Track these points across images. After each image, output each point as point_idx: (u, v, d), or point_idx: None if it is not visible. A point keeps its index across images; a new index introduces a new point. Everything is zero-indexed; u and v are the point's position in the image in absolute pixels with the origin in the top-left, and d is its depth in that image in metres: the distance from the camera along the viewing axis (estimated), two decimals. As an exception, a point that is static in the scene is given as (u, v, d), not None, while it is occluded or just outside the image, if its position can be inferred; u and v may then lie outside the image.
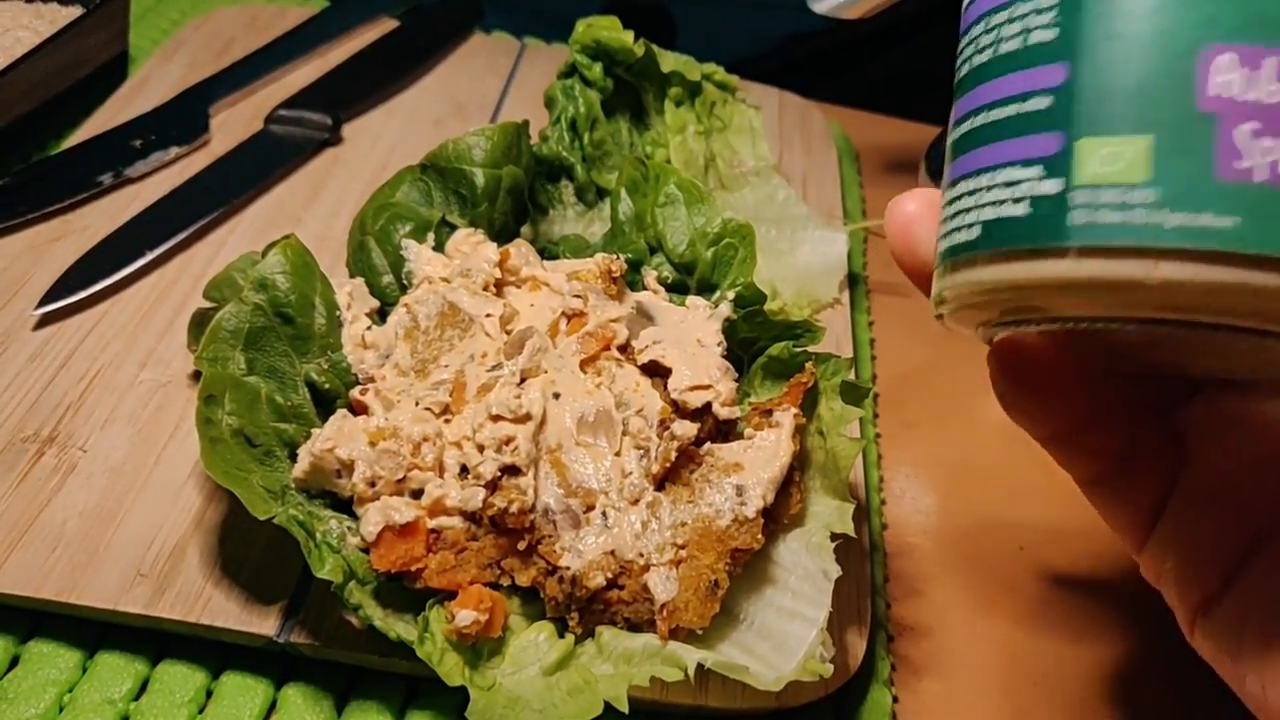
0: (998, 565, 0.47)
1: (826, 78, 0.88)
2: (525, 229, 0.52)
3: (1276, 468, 0.31)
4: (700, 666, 0.35)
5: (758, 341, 0.44)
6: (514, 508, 0.37)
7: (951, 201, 0.27)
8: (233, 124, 0.62)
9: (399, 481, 0.39)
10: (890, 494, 0.50)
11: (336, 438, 0.39)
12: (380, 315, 0.45)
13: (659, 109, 0.57)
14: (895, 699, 0.42)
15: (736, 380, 0.43)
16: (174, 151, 0.59)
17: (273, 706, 0.39)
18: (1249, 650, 0.30)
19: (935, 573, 0.47)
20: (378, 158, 0.61)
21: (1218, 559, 0.31)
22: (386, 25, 0.72)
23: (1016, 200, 0.25)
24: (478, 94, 0.68)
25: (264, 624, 0.39)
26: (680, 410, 0.41)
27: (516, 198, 0.49)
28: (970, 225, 0.26)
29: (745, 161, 0.59)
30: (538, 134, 0.54)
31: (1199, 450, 0.32)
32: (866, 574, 0.43)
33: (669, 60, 0.56)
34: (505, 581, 0.38)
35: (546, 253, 0.51)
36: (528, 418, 0.39)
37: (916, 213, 0.31)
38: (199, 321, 0.45)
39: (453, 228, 0.47)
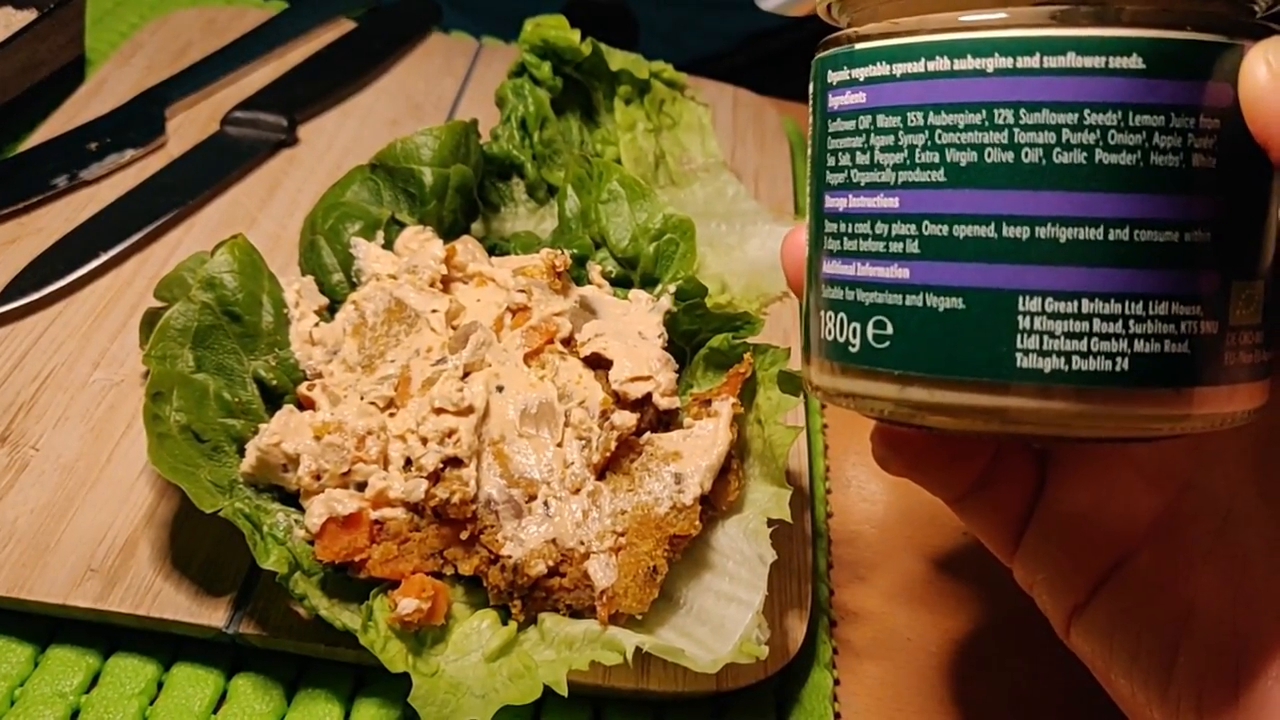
0: (941, 551, 0.48)
1: (785, 75, 0.89)
2: (477, 226, 0.53)
3: (1130, 495, 0.32)
4: (639, 650, 0.36)
5: (699, 334, 0.45)
6: (456, 498, 0.38)
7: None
8: (189, 126, 0.63)
9: (344, 474, 0.39)
10: (837, 483, 0.51)
11: (283, 432, 0.40)
12: (331, 312, 0.46)
13: (609, 107, 0.58)
14: (837, 681, 0.43)
15: (678, 372, 0.43)
16: (130, 154, 0.59)
17: (223, 697, 0.40)
18: (1117, 656, 0.32)
19: (878, 559, 0.48)
20: (333, 158, 0.62)
21: (1084, 571, 0.33)
22: (344, 27, 0.73)
23: (1178, 338, 0.25)
24: (434, 94, 0.69)
25: (213, 616, 0.39)
26: (621, 401, 0.42)
27: (465, 196, 0.50)
28: (1110, 354, 0.25)
29: (695, 158, 0.60)
30: (489, 133, 0.55)
31: (1059, 475, 0.34)
32: (808, 560, 0.44)
33: (617, 59, 0.57)
34: (448, 571, 0.39)
35: (498, 249, 0.52)
36: (470, 410, 0.40)
37: None
38: (150, 321, 0.45)
39: (402, 226, 0.48)
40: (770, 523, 0.40)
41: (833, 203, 0.28)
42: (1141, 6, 0.24)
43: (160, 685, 0.40)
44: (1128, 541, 0.33)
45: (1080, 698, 0.38)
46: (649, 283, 0.47)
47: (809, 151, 0.30)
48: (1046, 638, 0.35)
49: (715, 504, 0.41)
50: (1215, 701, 0.29)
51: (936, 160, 0.25)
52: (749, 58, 0.90)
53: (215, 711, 0.39)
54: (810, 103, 0.29)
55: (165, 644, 0.40)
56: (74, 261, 0.52)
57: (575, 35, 0.55)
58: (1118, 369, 0.25)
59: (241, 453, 0.40)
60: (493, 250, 0.51)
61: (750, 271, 0.57)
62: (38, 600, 0.39)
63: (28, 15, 0.62)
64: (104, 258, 0.53)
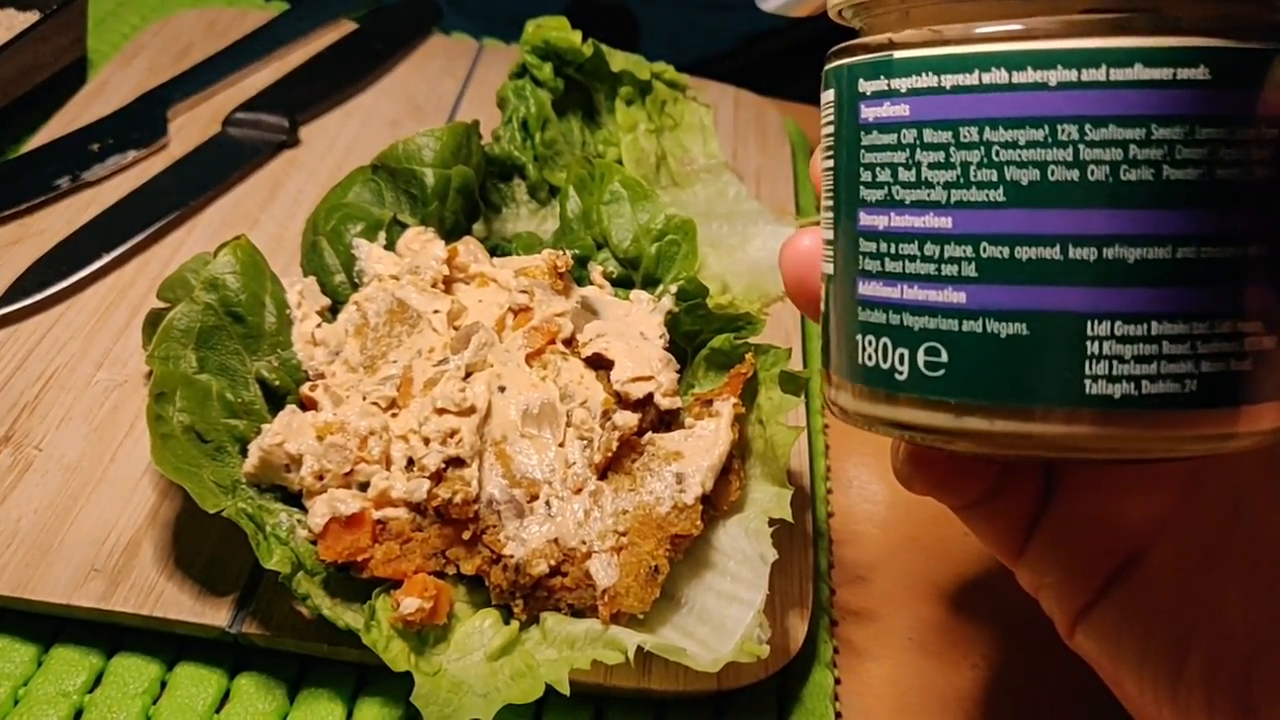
0: (942, 552, 0.48)
1: (786, 75, 0.89)
2: (479, 227, 0.53)
3: (1139, 496, 0.32)
4: (640, 649, 0.36)
5: (700, 334, 0.45)
6: (458, 498, 0.38)
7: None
8: (191, 127, 0.63)
9: (346, 474, 0.39)
10: (838, 483, 0.51)
11: (285, 433, 0.40)
12: (333, 313, 0.46)
13: (610, 108, 0.58)
14: (837, 681, 0.43)
15: (679, 372, 0.44)
16: (132, 155, 0.59)
17: (226, 696, 0.40)
18: (1125, 657, 0.32)
19: (880, 560, 0.48)
20: (334, 159, 0.62)
21: (1092, 573, 0.33)
22: (345, 28, 0.73)
23: (1241, 356, 0.24)
24: (435, 95, 0.69)
25: (216, 615, 0.39)
26: (623, 401, 0.42)
27: (467, 196, 0.50)
28: (1172, 376, 0.24)
29: (696, 159, 0.60)
30: (490, 134, 0.55)
31: (1068, 479, 0.33)
32: (809, 560, 0.44)
33: (618, 60, 0.57)
34: (450, 570, 0.39)
35: (500, 250, 0.52)
36: (472, 410, 0.40)
37: (811, 248, 0.32)
38: (153, 322, 0.46)
39: (404, 227, 0.48)
40: (771, 522, 0.40)
41: (870, 220, 0.27)
42: (1200, 13, 0.24)
43: (163, 685, 0.40)
44: (1137, 542, 0.32)
45: (1082, 698, 0.38)
46: (650, 283, 0.47)
47: (830, 162, 0.28)
48: (1049, 638, 0.35)
49: (716, 504, 0.41)
50: (1226, 701, 0.30)
51: (995, 178, 0.24)
52: (750, 58, 0.90)
53: (218, 711, 0.39)
54: (831, 110, 0.28)
55: (168, 644, 0.40)
56: (76, 263, 0.52)
57: (577, 36, 0.55)
58: (1186, 390, 0.24)
59: (244, 453, 0.40)
60: (494, 251, 0.51)
61: (752, 272, 0.57)
62: (41, 600, 0.39)
63: (30, 17, 0.63)
64: (106, 259, 0.53)
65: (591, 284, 0.47)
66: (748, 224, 0.58)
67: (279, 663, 0.40)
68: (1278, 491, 0.30)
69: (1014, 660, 0.44)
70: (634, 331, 0.44)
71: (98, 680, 0.39)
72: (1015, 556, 0.34)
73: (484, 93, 0.69)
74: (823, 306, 0.30)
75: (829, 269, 0.29)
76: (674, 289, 0.45)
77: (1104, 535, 0.33)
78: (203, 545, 0.41)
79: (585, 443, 0.41)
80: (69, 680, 0.39)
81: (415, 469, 0.39)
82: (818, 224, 0.31)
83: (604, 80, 0.57)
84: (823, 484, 0.50)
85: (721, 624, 0.38)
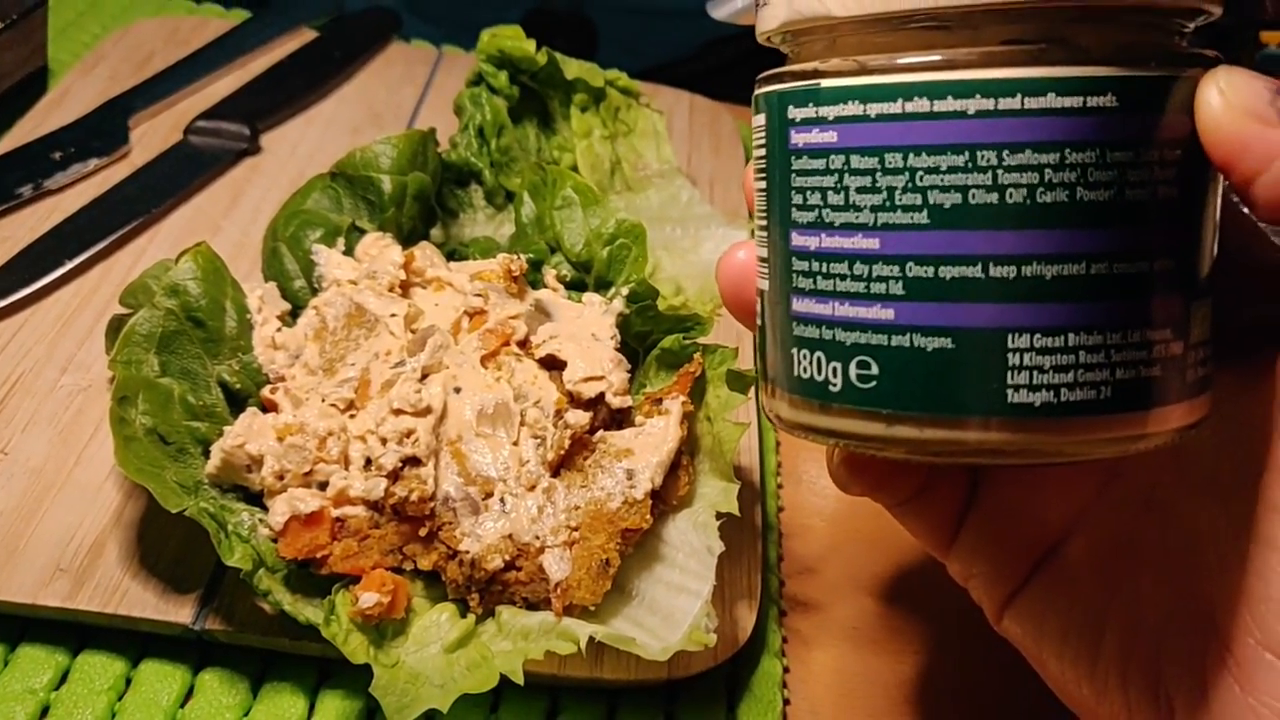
0: (887, 545, 0.50)
1: (741, 80, 0.91)
2: (437, 232, 0.54)
3: (1060, 487, 0.34)
4: (592, 640, 0.38)
5: (651, 334, 0.46)
6: (414, 496, 0.40)
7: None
8: (152, 135, 0.64)
9: (306, 474, 0.41)
10: (789, 478, 0.53)
11: (246, 434, 0.41)
12: (293, 317, 0.47)
13: (565, 115, 0.59)
14: (786, 669, 0.44)
15: (630, 372, 0.45)
16: (94, 163, 0.60)
17: (190, 691, 0.41)
18: (1048, 640, 0.34)
19: (828, 552, 0.49)
20: (295, 166, 0.63)
21: (1017, 562, 0.35)
22: (306, 36, 0.74)
23: (1151, 362, 0.26)
24: (394, 102, 0.70)
25: (180, 613, 0.41)
26: (575, 401, 0.43)
27: (423, 203, 0.51)
28: (1089, 383, 0.26)
29: (650, 164, 0.61)
30: (448, 140, 0.57)
31: (992, 474, 0.35)
32: (759, 552, 0.46)
33: (573, 68, 0.59)
34: (408, 566, 0.40)
35: (458, 254, 0.53)
36: (428, 411, 0.41)
37: (746, 261, 0.34)
38: (115, 327, 0.47)
39: (362, 232, 0.50)
40: (719, 516, 0.41)
41: (802, 241, 0.28)
42: (1108, 43, 0.25)
43: (128, 681, 0.41)
44: (1056, 534, 0.34)
45: (1013, 680, 0.40)
46: (602, 286, 0.48)
47: (763, 184, 0.29)
48: (981, 625, 0.37)
49: (666, 499, 0.42)
50: (1139, 677, 0.31)
51: (919, 202, 0.25)
52: (706, 64, 0.91)
53: (183, 706, 0.40)
54: (763, 134, 0.29)
55: (133, 641, 0.41)
56: (39, 269, 0.53)
57: (531, 45, 0.56)
58: (1101, 397, 0.26)
59: (206, 454, 0.41)
60: (452, 255, 0.52)
61: (704, 274, 0.58)
62: (7, 600, 0.40)
63: (-9, 27, 0.63)
64: (69, 266, 0.54)
65: (545, 287, 0.49)
66: (700, 227, 0.60)
67: (242, 658, 0.41)
68: (1185, 485, 0.32)
69: (950, 646, 0.46)
70: (586, 333, 0.45)
71: (64, 678, 0.40)
72: (945, 549, 0.36)
73: (444, 99, 0.70)
74: (759, 320, 0.31)
75: (764, 284, 0.30)
76: (625, 291, 0.47)
77: (1026, 528, 0.34)
78: (166, 545, 0.42)
79: (539, 441, 0.42)
80: (35, 678, 0.40)
81: (373, 468, 0.40)
82: None
83: (558, 88, 0.59)
84: (774, 479, 0.52)
85: (670, 614, 0.39)
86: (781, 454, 0.53)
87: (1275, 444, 0.28)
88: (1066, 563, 0.34)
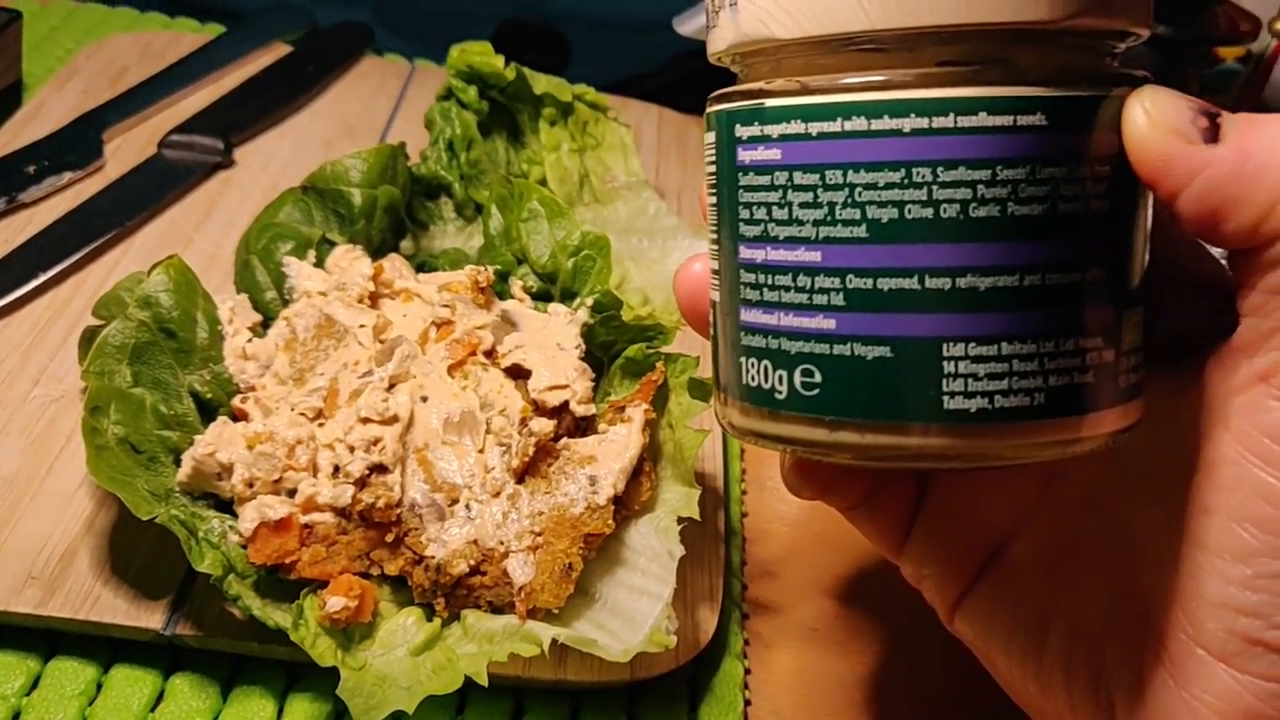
0: (846, 548, 0.51)
1: (708, 92, 0.92)
2: (408, 244, 0.55)
3: (1005, 490, 0.36)
4: (555, 642, 0.39)
5: (615, 344, 0.47)
6: (381, 503, 0.40)
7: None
8: (126, 149, 0.64)
9: (275, 482, 0.41)
10: (753, 484, 0.54)
11: (216, 443, 0.42)
12: (264, 328, 0.48)
13: (534, 128, 0.61)
14: (748, 671, 0.45)
15: (595, 380, 0.46)
16: (67, 176, 0.61)
17: (161, 696, 0.41)
18: (996, 638, 0.35)
19: (789, 555, 0.50)
20: (268, 179, 0.64)
21: (966, 562, 0.36)
22: (280, 50, 0.74)
23: (1084, 369, 0.27)
24: (367, 116, 0.71)
25: (151, 618, 0.41)
26: (540, 409, 0.44)
27: (393, 215, 0.52)
28: (1019, 390, 0.27)
29: (618, 177, 0.62)
30: (419, 154, 0.58)
31: (937, 480, 0.37)
32: (721, 557, 0.47)
33: (541, 82, 0.60)
34: (375, 571, 0.41)
35: (428, 266, 0.54)
36: (395, 419, 0.42)
37: (702, 273, 0.35)
38: (88, 339, 0.47)
39: (333, 245, 0.50)
40: (680, 521, 0.42)
41: (749, 254, 0.29)
42: (1039, 63, 0.26)
43: (99, 686, 0.41)
44: (1001, 536, 0.36)
45: (967, 679, 0.41)
46: (568, 296, 0.49)
47: (714, 199, 0.30)
48: (938, 625, 0.38)
49: (628, 504, 0.43)
50: (1081, 673, 0.32)
51: (858, 217, 0.26)
52: (675, 76, 0.92)
53: (153, 710, 0.41)
54: (713, 151, 0.30)
55: (104, 646, 0.42)
56: (13, 282, 0.54)
57: (499, 61, 0.58)
58: (1035, 403, 0.27)
59: (177, 463, 0.42)
60: (422, 267, 0.53)
61: (671, 285, 0.59)
62: (-21, 607, 0.41)
63: (-35, 42, 0.64)
64: (43, 278, 0.54)
65: (512, 298, 0.50)
66: (667, 239, 0.61)
67: (212, 662, 0.42)
68: (1123, 487, 0.33)
69: (908, 646, 0.47)
70: (551, 343, 0.46)
71: (35, 683, 0.41)
72: (897, 551, 0.37)
73: (416, 113, 0.71)
74: (711, 330, 0.32)
75: (715, 295, 0.31)
76: (590, 302, 0.48)
77: (972, 530, 0.36)
78: (137, 552, 0.43)
79: (504, 448, 0.43)
80: (7, 684, 0.41)
81: (341, 475, 0.41)
82: None
83: (527, 102, 0.60)
84: (738, 485, 0.53)
85: (632, 617, 0.40)
86: (746, 460, 0.54)
87: (1205, 448, 0.29)
88: (1012, 563, 0.35)
